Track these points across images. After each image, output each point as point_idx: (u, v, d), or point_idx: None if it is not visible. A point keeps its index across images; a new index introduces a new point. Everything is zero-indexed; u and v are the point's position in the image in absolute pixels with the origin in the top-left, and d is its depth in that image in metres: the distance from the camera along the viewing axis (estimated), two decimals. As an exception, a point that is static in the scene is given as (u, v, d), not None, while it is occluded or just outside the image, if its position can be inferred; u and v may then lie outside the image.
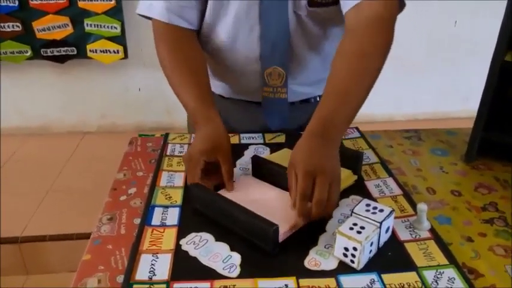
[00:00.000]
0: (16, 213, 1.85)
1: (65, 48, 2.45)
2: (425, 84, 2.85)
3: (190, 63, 0.84)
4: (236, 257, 0.60)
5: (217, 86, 1.02)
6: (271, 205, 0.69)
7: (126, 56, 2.48)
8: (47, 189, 2.07)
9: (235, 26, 0.86)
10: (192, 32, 0.89)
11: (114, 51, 2.46)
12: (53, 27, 2.37)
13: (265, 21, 0.85)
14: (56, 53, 2.46)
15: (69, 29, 2.39)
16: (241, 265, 0.59)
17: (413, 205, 0.70)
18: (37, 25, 2.36)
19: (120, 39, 2.44)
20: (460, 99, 2.79)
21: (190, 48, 0.87)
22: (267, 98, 0.94)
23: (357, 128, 1.01)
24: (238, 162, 0.86)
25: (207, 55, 0.94)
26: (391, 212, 0.61)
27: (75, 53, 2.46)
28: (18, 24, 2.34)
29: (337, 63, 0.74)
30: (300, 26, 0.87)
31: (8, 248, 1.68)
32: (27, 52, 2.42)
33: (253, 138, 0.96)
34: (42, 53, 2.44)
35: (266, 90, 0.93)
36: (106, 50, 2.46)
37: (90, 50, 2.45)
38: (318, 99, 1.03)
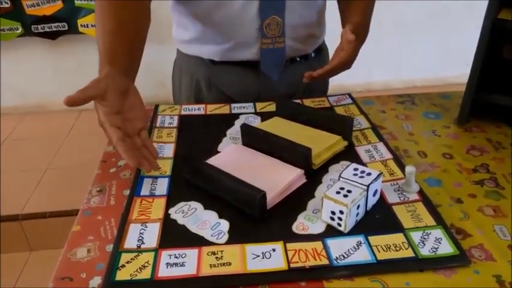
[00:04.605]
0: (16, 191, 1.86)
1: (56, 24, 2.40)
2: (424, 50, 2.80)
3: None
4: (224, 224, 0.60)
5: (208, 50, 0.98)
6: (260, 172, 0.68)
7: (118, 30, 2.44)
8: (45, 166, 2.08)
9: None
10: None
11: (106, 25, 2.42)
12: (42, 2, 2.32)
13: None
14: (47, 29, 2.41)
15: (59, 4, 2.34)
16: (229, 232, 0.59)
17: (403, 168, 0.69)
18: (26, 0, 2.31)
19: (111, 13, 2.39)
20: (460, 64, 2.74)
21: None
22: (266, 49, 0.93)
23: (349, 95, 1.00)
24: (228, 132, 0.86)
25: (203, 11, 0.91)
26: (378, 175, 0.61)
27: (67, 28, 2.42)
28: (6, 0, 2.29)
29: None
30: None
31: (10, 225, 1.70)
32: (17, 29, 2.38)
33: (244, 108, 0.95)
34: (33, 29, 2.40)
35: (265, 42, 0.92)
36: (97, 25, 2.42)
37: (81, 25, 2.41)
38: (307, 58, 1.03)
